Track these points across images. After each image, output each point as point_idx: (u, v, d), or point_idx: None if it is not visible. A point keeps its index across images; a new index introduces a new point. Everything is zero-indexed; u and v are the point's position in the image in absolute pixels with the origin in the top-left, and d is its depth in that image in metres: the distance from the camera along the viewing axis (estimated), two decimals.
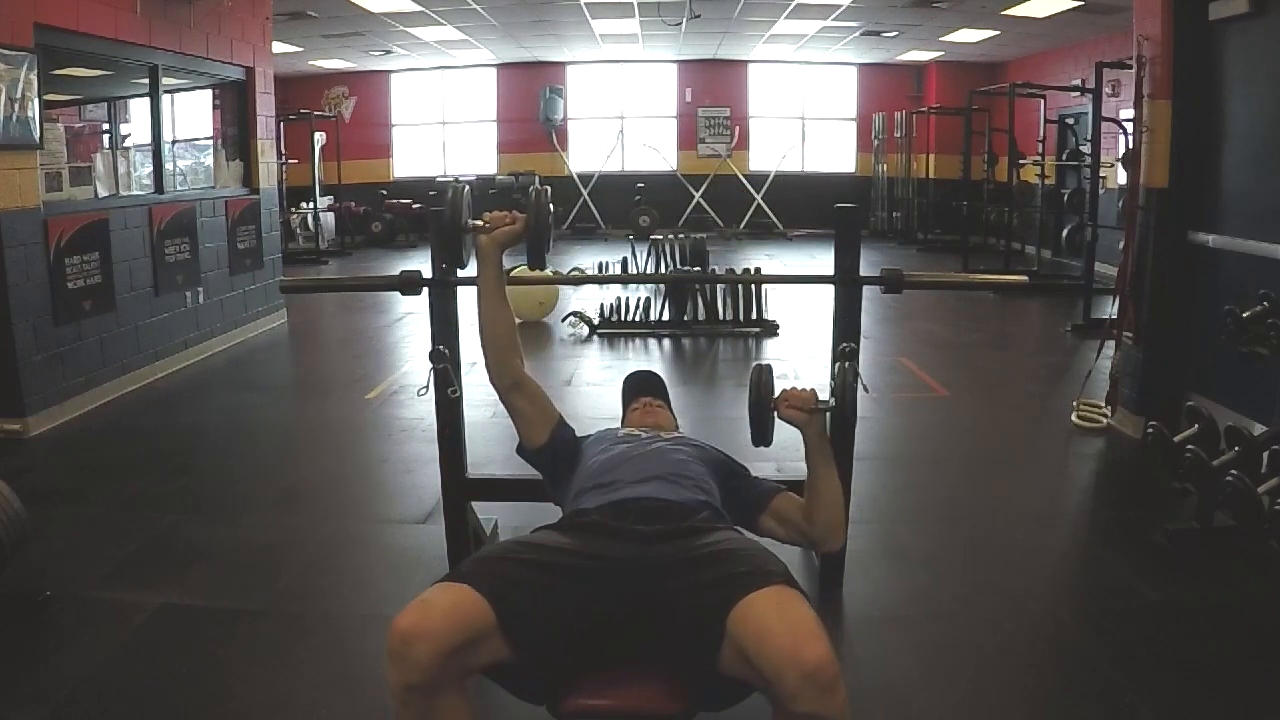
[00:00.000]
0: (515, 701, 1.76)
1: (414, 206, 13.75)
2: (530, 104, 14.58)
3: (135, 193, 5.90)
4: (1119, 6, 7.89)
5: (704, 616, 1.60)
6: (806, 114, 15.25)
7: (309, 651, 2.58)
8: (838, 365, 2.22)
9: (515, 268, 5.10)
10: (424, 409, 3.54)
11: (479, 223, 2.13)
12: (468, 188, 2.19)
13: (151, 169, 6.09)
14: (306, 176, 12.42)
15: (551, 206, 2.14)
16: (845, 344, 2.68)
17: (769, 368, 2.15)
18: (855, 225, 2.76)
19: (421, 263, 2.88)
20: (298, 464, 4.31)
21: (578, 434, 2.31)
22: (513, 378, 2.20)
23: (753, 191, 14.43)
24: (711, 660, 1.61)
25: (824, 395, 2.12)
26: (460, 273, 2.83)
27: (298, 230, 12.54)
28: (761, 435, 2.12)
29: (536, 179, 14.11)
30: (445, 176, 14.42)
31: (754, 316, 6.98)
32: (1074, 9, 9.15)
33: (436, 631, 1.53)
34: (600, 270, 8.59)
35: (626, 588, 1.69)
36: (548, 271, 5.50)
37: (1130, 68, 4.65)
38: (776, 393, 2.09)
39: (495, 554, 1.79)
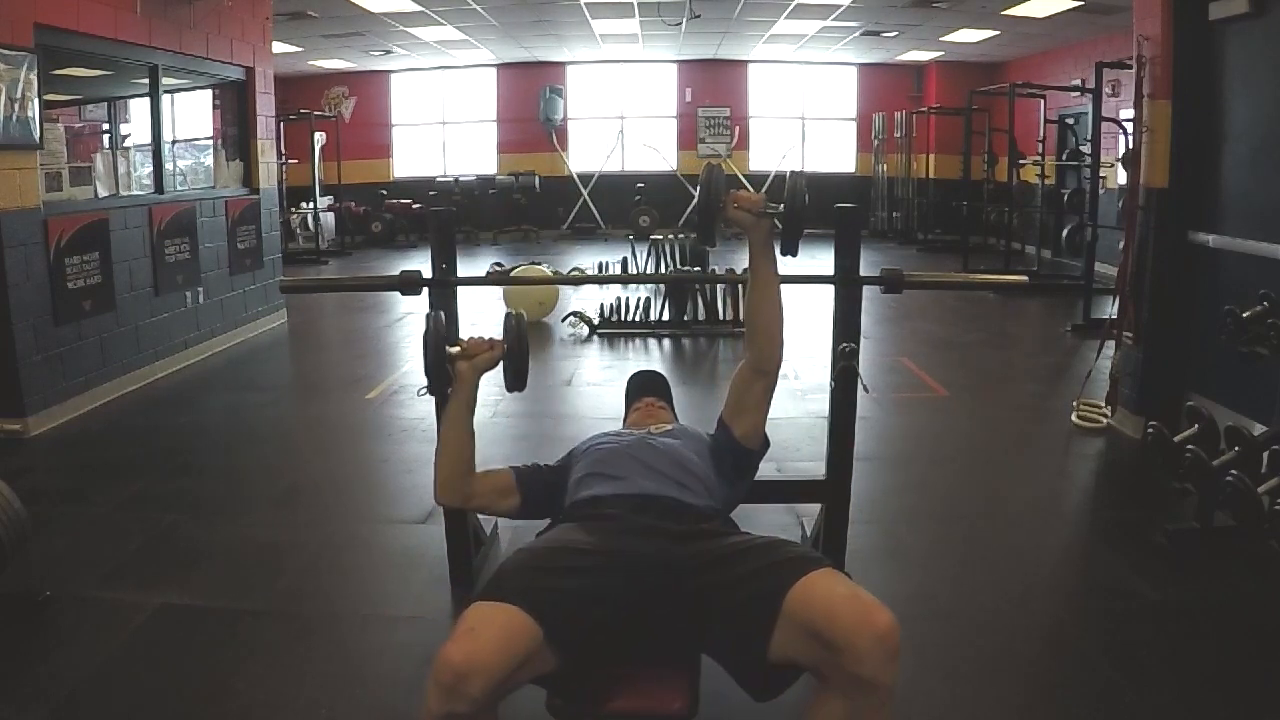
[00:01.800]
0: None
1: (414, 206, 13.75)
2: (530, 104, 14.59)
3: (135, 193, 5.90)
4: (1119, 6, 7.89)
5: (757, 602, 1.62)
6: (806, 114, 15.25)
7: (309, 651, 2.58)
8: (789, 174, 2.21)
9: (515, 268, 5.12)
10: (424, 409, 3.54)
11: (456, 350, 2.14)
12: (443, 315, 2.20)
13: (151, 169, 6.09)
14: (306, 176, 12.42)
15: (527, 338, 2.17)
16: (845, 344, 2.67)
17: (720, 168, 2.15)
18: (855, 225, 2.76)
19: (421, 263, 2.88)
20: (298, 464, 4.30)
21: (547, 463, 2.30)
22: (461, 496, 2.18)
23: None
24: (761, 646, 1.62)
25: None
26: (461, 272, 2.84)
27: (298, 230, 12.54)
28: (707, 235, 2.14)
29: (536, 179, 14.14)
30: (445, 176, 14.44)
31: None
32: (1074, 9, 9.14)
33: (491, 664, 1.50)
34: (600, 270, 8.59)
35: (665, 586, 1.71)
36: (547, 271, 5.50)
37: (1130, 68, 4.65)
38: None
39: (529, 565, 1.75)
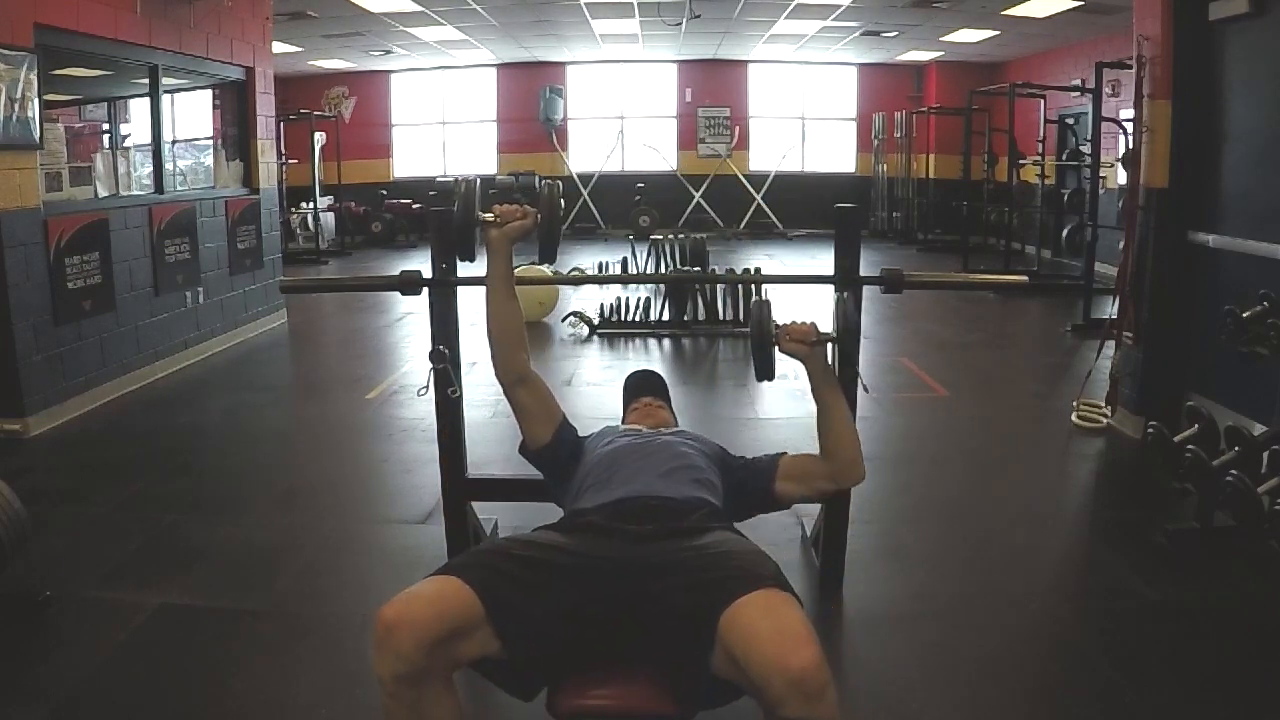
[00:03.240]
0: (510, 700, 1.76)
1: (414, 206, 13.75)
2: (530, 104, 14.59)
3: (135, 193, 5.90)
4: (1119, 6, 7.89)
5: (695, 619, 1.59)
6: (806, 114, 15.25)
7: (309, 651, 2.58)
8: (837, 297, 2.22)
9: (515, 268, 5.03)
10: (424, 409, 3.54)
11: (489, 216, 2.10)
12: (479, 180, 2.17)
13: (151, 169, 6.09)
14: (306, 176, 12.42)
15: (563, 202, 2.13)
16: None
17: (768, 302, 2.15)
18: (855, 225, 2.76)
19: (421, 263, 2.88)
20: (298, 464, 4.30)
21: (580, 434, 2.31)
22: (518, 373, 2.18)
23: (753, 191, 14.43)
24: (703, 662, 1.60)
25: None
26: (461, 272, 2.84)
27: (298, 230, 12.54)
28: (765, 370, 2.14)
29: (537, 179, 14.14)
30: (445, 176, 14.42)
31: None
32: (1074, 9, 9.15)
33: (420, 620, 1.54)
34: (600, 270, 8.59)
35: (616, 587, 1.69)
36: (547, 271, 5.49)
37: (1130, 68, 4.65)
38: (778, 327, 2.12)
39: (487, 548, 1.81)
